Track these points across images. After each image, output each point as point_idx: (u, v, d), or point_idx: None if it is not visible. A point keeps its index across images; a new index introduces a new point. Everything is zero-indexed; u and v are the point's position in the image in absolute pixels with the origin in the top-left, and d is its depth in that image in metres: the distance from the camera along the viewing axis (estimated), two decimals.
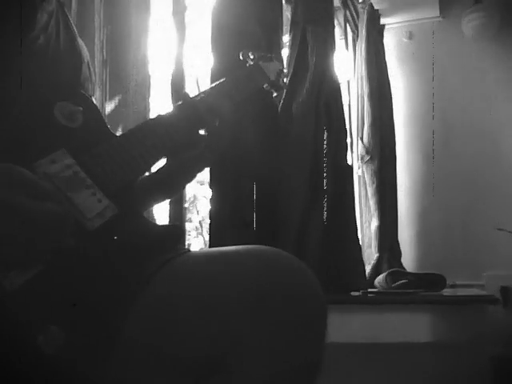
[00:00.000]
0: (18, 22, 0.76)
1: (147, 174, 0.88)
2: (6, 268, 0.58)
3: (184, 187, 1.03)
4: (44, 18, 0.80)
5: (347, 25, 3.36)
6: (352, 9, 3.34)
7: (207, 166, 0.91)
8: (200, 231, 3.19)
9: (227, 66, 1.54)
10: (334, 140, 2.03)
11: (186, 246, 1.91)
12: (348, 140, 2.18)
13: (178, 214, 1.59)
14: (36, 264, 0.60)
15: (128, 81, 1.39)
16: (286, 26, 2.05)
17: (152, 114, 1.45)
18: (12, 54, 0.75)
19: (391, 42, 3.45)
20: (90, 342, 0.60)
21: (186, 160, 0.84)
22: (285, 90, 1.93)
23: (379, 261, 2.70)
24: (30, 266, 0.59)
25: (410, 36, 3.55)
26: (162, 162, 0.84)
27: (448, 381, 1.66)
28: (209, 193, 1.62)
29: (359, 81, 3.09)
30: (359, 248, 2.21)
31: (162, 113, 0.83)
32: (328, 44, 2.10)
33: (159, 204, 0.98)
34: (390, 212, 2.89)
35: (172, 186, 0.91)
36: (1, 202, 0.57)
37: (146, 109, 1.44)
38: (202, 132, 0.86)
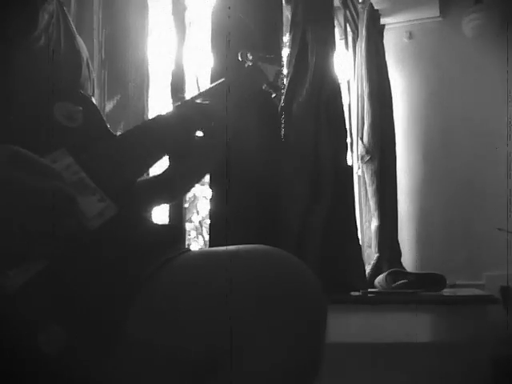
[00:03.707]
0: (20, 22, 0.76)
1: (150, 175, 0.88)
2: (8, 262, 0.57)
3: (187, 191, 1.03)
4: (45, 18, 0.80)
5: (347, 25, 3.36)
6: (352, 9, 3.34)
7: (208, 171, 0.91)
8: (200, 231, 3.19)
9: (227, 66, 1.53)
10: (334, 140, 2.03)
11: (186, 246, 1.90)
12: (348, 140, 2.18)
13: (178, 214, 1.59)
14: (40, 252, 0.59)
15: (127, 81, 1.39)
16: (286, 26, 2.05)
17: (151, 114, 1.46)
18: (13, 54, 0.75)
19: (391, 42, 3.44)
20: (90, 341, 0.60)
21: (188, 164, 0.85)
22: (285, 91, 1.93)
23: (379, 261, 2.70)
24: (33, 256, 0.59)
25: (410, 36, 3.55)
26: (161, 162, 0.84)
27: (448, 381, 1.66)
28: (209, 193, 1.62)
29: (359, 81, 3.09)
30: (359, 248, 2.21)
31: (162, 113, 0.83)
32: (328, 44, 2.10)
33: (161, 205, 0.98)
34: (390, 212, 2.89)
35: (175, 189, 0.91)
36: (4, 181, 0.56)
37: (145, 109, 1.44)
38: (200, 133, 0.86)
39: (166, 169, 0.86)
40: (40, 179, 0.57)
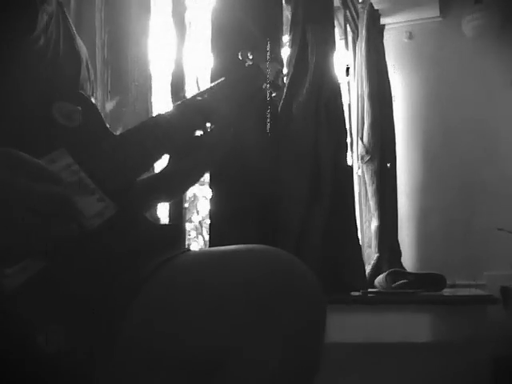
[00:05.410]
0: (20, 23, 0.76)
1: (148, 173, 0.88)
2: (6, 262, 0.57)
3: (186, 189, 1.03)
4: (44, 19, 0.80)
5: (347, 25, 3.36)
6: (352, 9, 3.34)
7: (208, 170, 0.91)
8: (200, 231, 3.19)
9: (227, 66, 1.53)
10: (334, 140, 2.03)
11: (186, 246, 1.90)
12: (348, 140, 2.18)
13: (178, 214, 1.59)
14: (38, 253, 0.59)
15: (129, 80, 1.39)
16: (286, 26, 2.05)
17: (152, 114, 1.45)
18: (12, 54, 0.75)
19: (391, 42, 3.45)
20: (89, 341, 0.60)
21: (188, 162, 0.84)
22: (285, 90, 1.93)
23: (379, 261, 2.70)
24: (32, 256, 0.59)
25: (410, 36, 3.56)
26: (162, 162, 0.84)
27: (448, 381, 1.66)
28: (209, 193, 1.62)
29: (359, 81, 3.09)
30: (359, 248, 2.21)
31: (162, 113, 0.83)
32: (328, 44, 2.10)
33: (160, 204, 0.98)
34: (390, 212, 2.89)
35: (174, 187, 0.91)
36: (1, 184, 0.56)
37: (147, 109, 1.44)
38: (200, 133, 0.86)
39: (166, 167, 0.86)
40: (37, 182, 0.57)
